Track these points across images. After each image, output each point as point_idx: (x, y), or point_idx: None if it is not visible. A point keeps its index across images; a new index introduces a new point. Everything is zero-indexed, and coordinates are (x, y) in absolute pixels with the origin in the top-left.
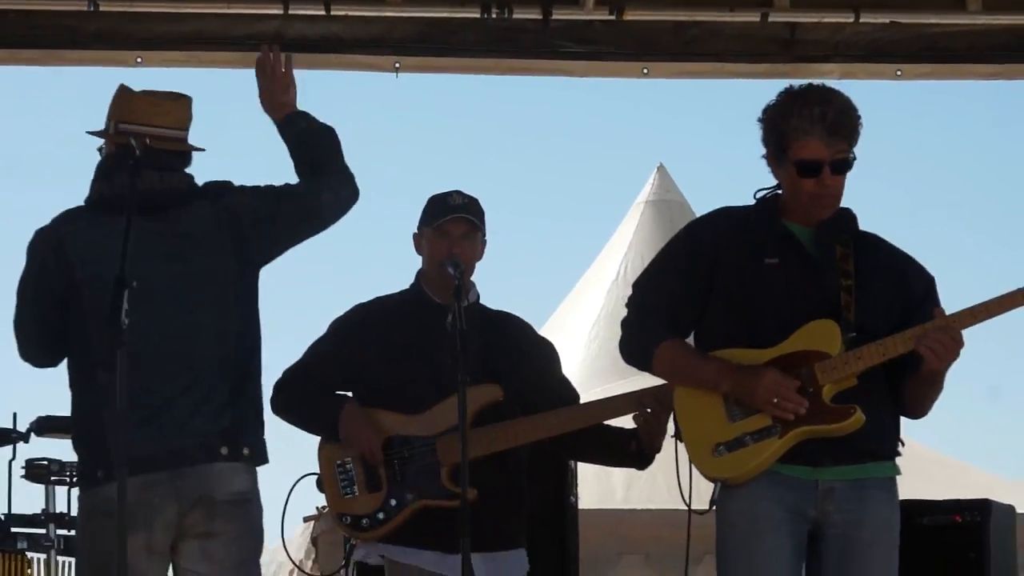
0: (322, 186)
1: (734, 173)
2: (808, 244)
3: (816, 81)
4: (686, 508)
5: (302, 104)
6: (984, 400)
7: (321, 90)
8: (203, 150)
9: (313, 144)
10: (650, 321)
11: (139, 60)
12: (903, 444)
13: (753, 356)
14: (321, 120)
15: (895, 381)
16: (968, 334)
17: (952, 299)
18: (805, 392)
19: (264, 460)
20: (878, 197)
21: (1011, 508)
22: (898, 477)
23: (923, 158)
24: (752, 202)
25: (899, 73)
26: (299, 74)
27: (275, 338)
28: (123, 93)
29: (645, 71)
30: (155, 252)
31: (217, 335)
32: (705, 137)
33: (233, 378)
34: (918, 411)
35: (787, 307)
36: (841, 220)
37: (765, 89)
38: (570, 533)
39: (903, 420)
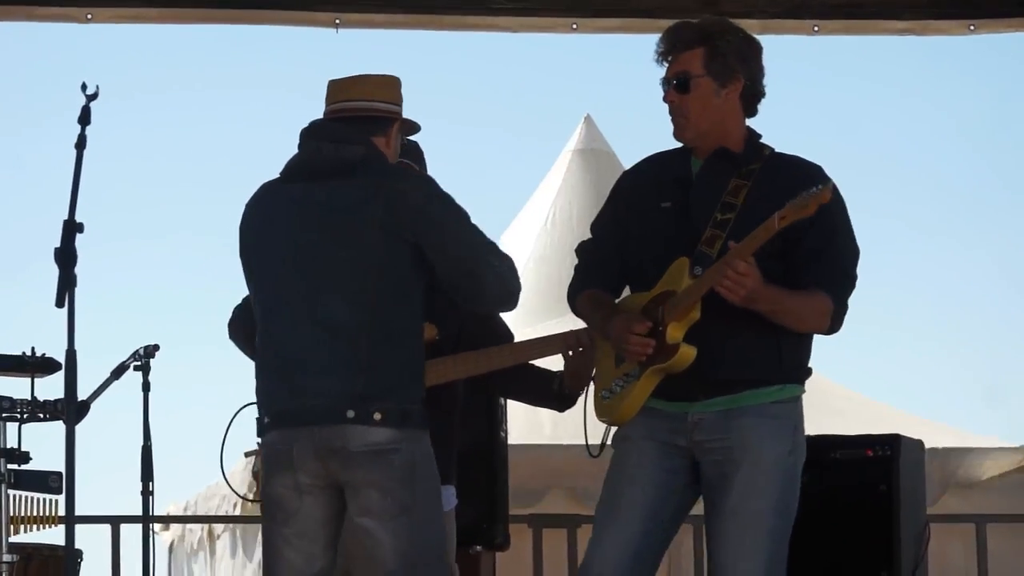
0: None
1: (657, 123)
2: (693, 178)
3: None
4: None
5: (245, 58)
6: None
7: (261, 45)
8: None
9: None
10: (578, 271)
11: (89, 16)
12: (805, 369)
13: (638, 300)
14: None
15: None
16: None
17: (875, 239)
18: (656, 332)
19: (401, 424)
20: (793, 147)
21: (920, 443)
22: (806, 407)
23: (835, 110)
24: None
25: (816, 29)
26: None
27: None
28: None
29: (574, 26)
30: (309, 217)
31: (353, 301)
32: (630, 89)
33: (370, 343)
34: (795, 330)
35: (668, 248)
36: (746, 150)
37: None
38: (500, 466)
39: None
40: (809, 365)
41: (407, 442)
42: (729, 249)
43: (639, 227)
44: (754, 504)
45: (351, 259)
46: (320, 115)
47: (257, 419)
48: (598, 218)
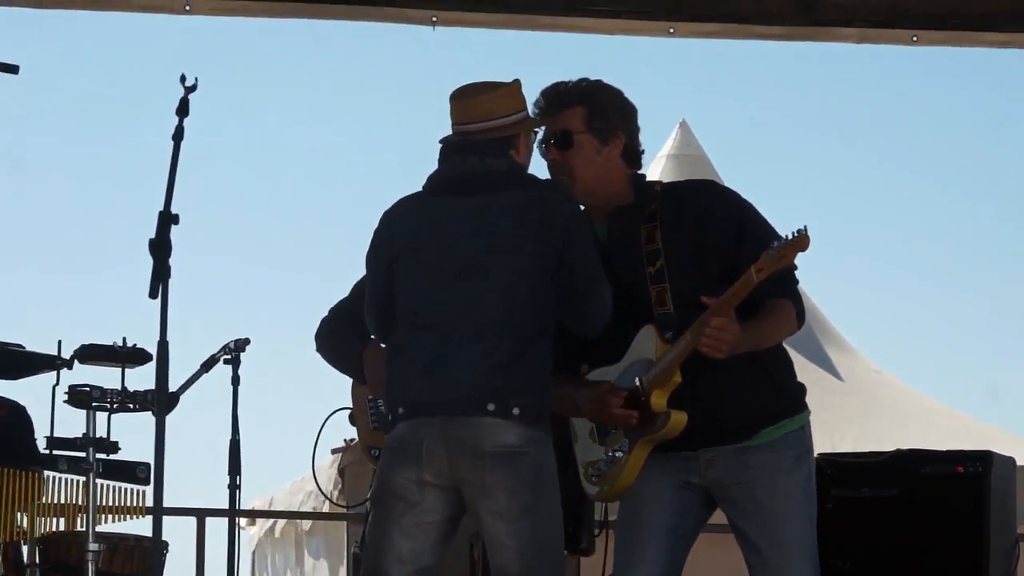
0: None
1: (751, 130)
2: (607, 245)
3: (833, 45)
4: None
5: (341, 54)
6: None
7: (359, 42)
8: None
9: None
10: None
11: (188, 8)
12: (802, 391)
13: (606, 374)
14: None
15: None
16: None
17: (965, 254)
18: (638, 402)
19: (537, 421)
20: (889, 156)
21: (1012, 460)
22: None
23: (934, 121)
24: None
25: (915, 39)
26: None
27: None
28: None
29: (671, 31)
30: (462, 226)
31: (504, 301)
32: (726, 95)
33: (515, 342)
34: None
35: (616, 320)
36: (638, 196)
37: (786, 51)
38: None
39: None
40: (800, 381)
41: (535, 445)
42: (706, 305)
43: None
44: (790, 533)
45: (505, 263)
46: (418, 115)
47: (388, 415)
48: None
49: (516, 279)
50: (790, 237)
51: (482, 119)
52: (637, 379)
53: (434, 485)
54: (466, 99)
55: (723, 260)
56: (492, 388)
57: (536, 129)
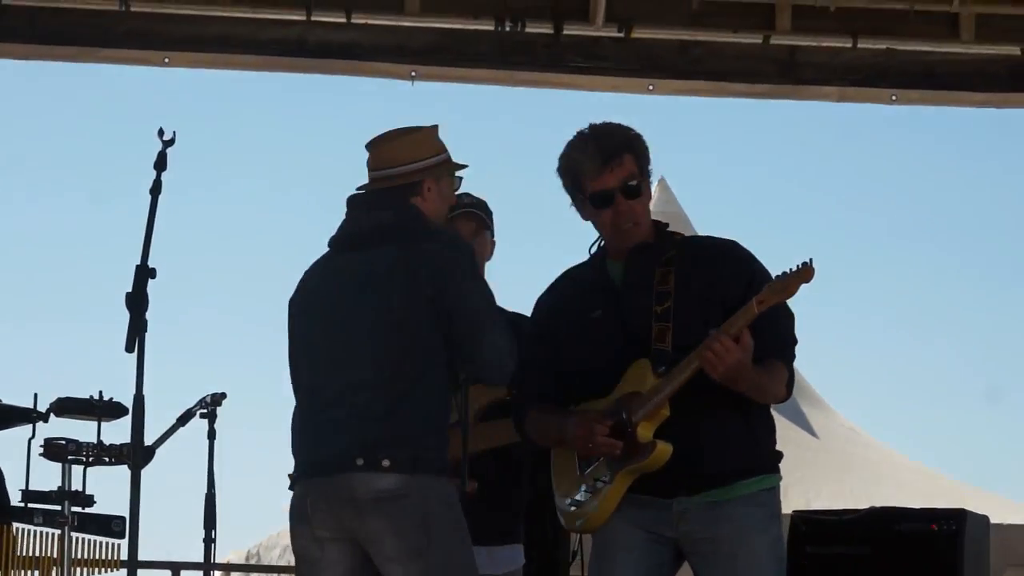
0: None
1: (730, 188)
2: (619, 283)
3: (812, 103)
4: None
5: (320, 108)
6: (981, 403)
7: (339, 95)
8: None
9: None
10: (518, 401)
11: (167, 60)
12: (778, 456)
13: (595, 407)
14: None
15: None
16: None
17: (938, 313)
18: (624, 433)
19: (411, 469)
20: (867, 214)
21: (985, 518)
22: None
23: (912, 179)
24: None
25: (894, 98)
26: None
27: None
28: None
29: (651, 87)
30: (341, 284)
31: (374, 357)
32: (705, 153)
33: (389, 396)
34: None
35: (615, 355)
36: (659, 240)
37: (765, 109)
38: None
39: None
40: (778, 448)
41: (417, 488)
42: (710, 335)
43: (574, 342)
44: None
45: (376, 318)
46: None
47: (289, 475)
48: (525, 344)
49: (387, 333)
50: (795, 269)
51: (384, 166)
52: (624, 410)
53: (330, 539)
54: (372, 147)
55: (729, 313)
56: (361, 444)
57: (459, 173)
